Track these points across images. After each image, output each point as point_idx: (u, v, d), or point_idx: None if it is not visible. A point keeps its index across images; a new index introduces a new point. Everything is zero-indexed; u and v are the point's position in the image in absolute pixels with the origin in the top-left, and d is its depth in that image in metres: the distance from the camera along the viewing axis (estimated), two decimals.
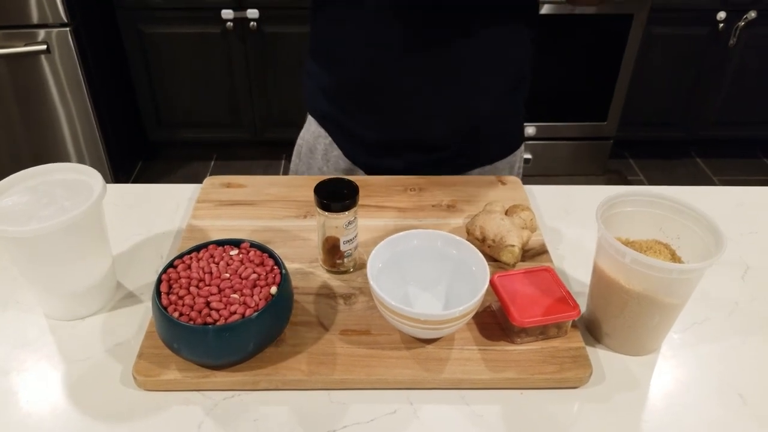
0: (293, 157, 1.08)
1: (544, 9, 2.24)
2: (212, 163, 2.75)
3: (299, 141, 1.06)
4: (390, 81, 0.90)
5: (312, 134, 1.03)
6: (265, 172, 2.68)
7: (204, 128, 2.61)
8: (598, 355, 0.68)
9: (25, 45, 2.08)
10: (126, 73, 2.45)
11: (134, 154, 2.70)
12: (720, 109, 2.58)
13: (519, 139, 1.05)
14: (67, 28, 2.07)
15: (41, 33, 2.08)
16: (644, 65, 2.43)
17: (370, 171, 1.00)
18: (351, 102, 0.96)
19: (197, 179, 0.93)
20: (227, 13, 2.27)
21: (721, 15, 2.32)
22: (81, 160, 2.33)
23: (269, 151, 2.73)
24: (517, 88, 0.97)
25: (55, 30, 2.07)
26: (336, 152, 1.01)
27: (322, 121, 1.01)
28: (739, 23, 2.34)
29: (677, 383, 0.65)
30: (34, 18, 2.05)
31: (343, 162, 1.01)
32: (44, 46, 2.08)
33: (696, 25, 2.36)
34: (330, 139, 1.01)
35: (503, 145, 1.02)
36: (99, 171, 0.70)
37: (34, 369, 0.66)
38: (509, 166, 1.04)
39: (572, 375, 0.64)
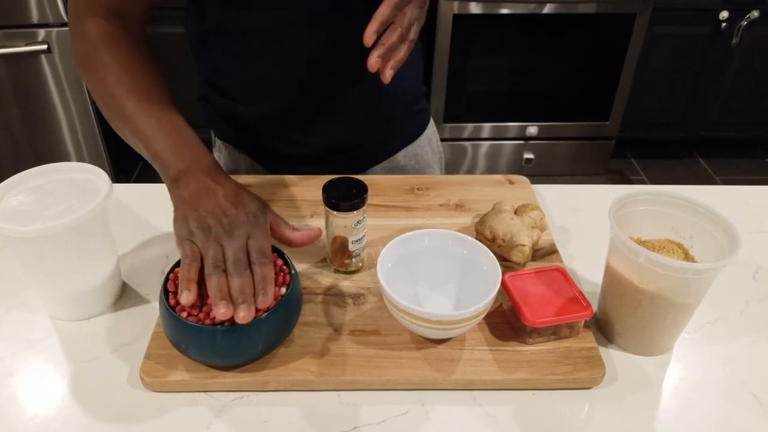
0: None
1: (546, 9, 2.24)
2: None
3: (215, 157, 1.02)
4: (295, 102, 0.89)
5: (227, 158, 1.00)
6: None
7: (204, 128, 2.59)
8: (611, 355, 0.67)
9: (26, 45, 2.07)
10: None
11: (134, 154, 2.68)
12: (722, 109, 2.58)
13: (426, 112, 1.03)
14: (68, 28, 2.06)
15: (41, 32, 2.07)
16: (646, 65, 2.43)
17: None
18: (259, 124, 0.93)
19: None
20: None
21: (724, 14, 2.32)
22: (81, 161, 2.30)
23: None
24: (406, 86, 0.95)
25: (56, 30, 2.07)
26: (259, 168, 0.99)
27: (236, 144, 0.99)
28: (742, 23, 2.33)
29: (691, 383, 0.65)
30: (35, 17, 2.04)
31: (269, 175, 0.98)
32: (44, 46, 2.07)
33: (698, 25, 2.36)
34: (250, 159, 0.99)
35: (414, 121, 1.01)
36: None
37: (39, 370, 0.65)
38: (428, 140, 1.03)
39: (585, 375, 0.63)
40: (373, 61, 0.65)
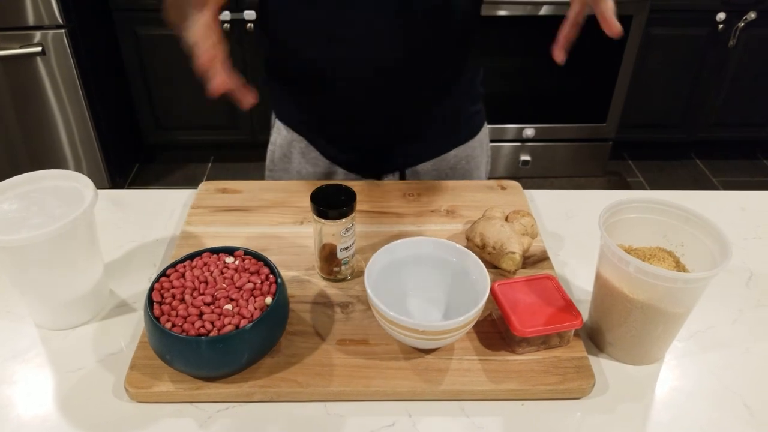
0: (267, 163, 1.07)
1: (543, 10, 2.23)
2: (209, 165, 2.73)
3: (270, 147, 1.05)
4: (362, 87, 0.89)
5: (284, 139, 1.02)
6: (263, 174, 2.66)
7: (201, 130, 2.59)
8: (601, 364, 0.67)
9: (20, 47, 2.07)
10: (122, 75, 2.44)
11: (131, 156, 2.68)
12: (720, 111, 2.57)
13: (481, 115, 1.05)
14: (62, 30, 2.06)
15: (37, 35, 2.06)
16: (643, 66, 2.42)
17: (349, 167, 1.00)
18: (324, 109, 0.95)
19: (195, 182, 0.92)
20: (224, 15, 2.26)
21: (721, 16, 2.31)
22: (78, 163, 2.31)
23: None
24: (464, 58, 0.96)
25: (51, 32, 2.06)
26: (314, 153, 1.00)
27: (296, 127, 1.00)
28: (739, 24, 2.32)
29: (682, 393, 0.64)
30: (30, 20, 2.03)
31: (323, 161, 1.00)
32: (39, 48, 2.06)
33: (695, 26, 2.35)
34: (305, 142, 1.00)
35: (470, 122, 1.02)
36: (96, 173, 0.69)
37: (24, 380, 0.64)
38: (480, 143, 1.04)
39: (575, 386, 0.62)
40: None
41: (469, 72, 0.98)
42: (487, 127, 1.07)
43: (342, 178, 1.00)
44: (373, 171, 1.00)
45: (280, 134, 1.02)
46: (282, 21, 0.89)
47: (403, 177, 1.00)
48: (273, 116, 1.04)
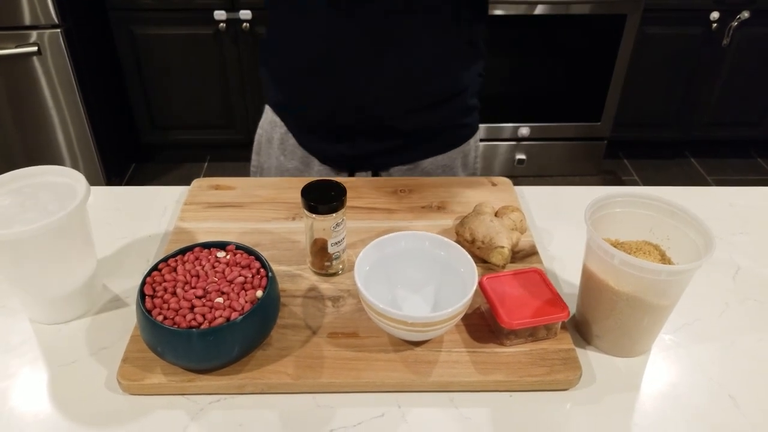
0: (253, 153, 1.09)
1: (538, 9, 2.24)
2: (206, 164, 2.73)
3: (259, 131, 1.07)
4: (337, 65, 0.90)
5: (269, 123, 1.03)
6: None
7: (197, 130, 2.59)
8: (588, 356, 0.67)
9: (16, 46, 2.07)
10: (118, 74, 2.44)
11: (127, 156, 2.69)
12: (714, 109, 2.58)
13: (471, 128, 1.05)
14: (59, 30, 2.06)
15: (33, 34, 2.06)
16: (638, 65, 2.43)
17: (324, 159, 1.01)
18: (301, 86, 0.96)
19: (190, 181, 0.92)
20: (219, 14, 2.26)
21: (715, 15, 2.32)
22: (74, 162, 2.31)
23: None
24: (463, 73, 0.97)
25: (47, 31, 2.06)
26: (291, 141, 1.01)
27: (277, 109, 1.02)
28: (733, 23, 2.34)
29: (668, 385, 0.65)
30: (26, 19, 2.04)
31: (300, 151, 1.01)
32: (35, 48, 2.07)
33: (689, 25, 2.36)
34: (285, 128, 1.01)
35: (454, 133, 1.02)
36: (92, 173, 0.69)
37: (18, 374, 0.65)
38: (462, 155, 1.04)
39: (562, 377, 0.63)
40: None
41: (468, 85, 0.98)
42: (476, 137, 1.06)
43: (315, 172, 1.01)
44: (347, 167, 1.01)
45: (266, 119, 1.04)
46: (282, 18, 0.91)
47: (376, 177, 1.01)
48: (265, 105, 1.06)
